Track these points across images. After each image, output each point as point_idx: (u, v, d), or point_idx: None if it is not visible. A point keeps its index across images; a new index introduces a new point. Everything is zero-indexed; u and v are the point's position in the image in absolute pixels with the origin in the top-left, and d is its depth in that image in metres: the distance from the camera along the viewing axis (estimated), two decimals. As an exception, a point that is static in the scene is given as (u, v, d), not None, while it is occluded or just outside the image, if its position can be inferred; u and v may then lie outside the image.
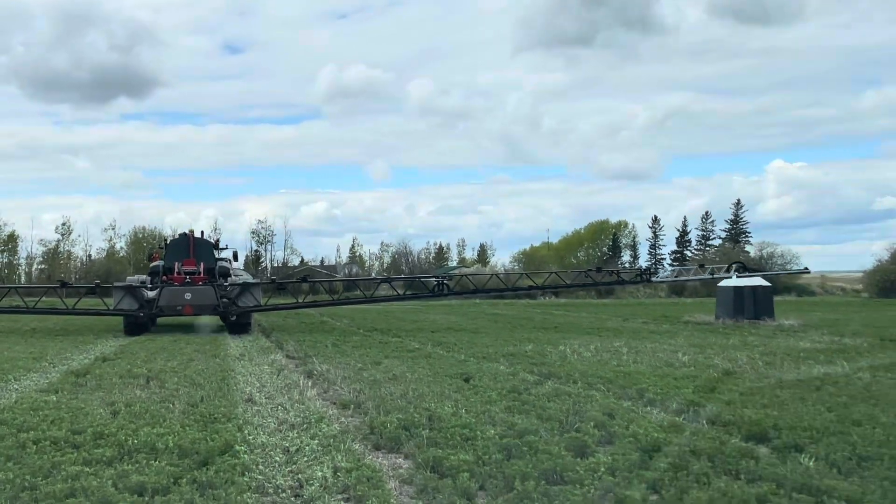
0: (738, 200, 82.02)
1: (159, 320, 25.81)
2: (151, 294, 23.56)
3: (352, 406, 9.40)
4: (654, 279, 31.08)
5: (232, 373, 12.84)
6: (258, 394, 10.54)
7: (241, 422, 8.13)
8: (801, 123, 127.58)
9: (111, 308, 23.96)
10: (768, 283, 30.21)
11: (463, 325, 27.07)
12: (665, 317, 32.52)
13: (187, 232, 26.43)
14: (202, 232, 27.56)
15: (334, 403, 9.92)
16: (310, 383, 11.47)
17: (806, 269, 39.53)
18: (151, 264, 26.95)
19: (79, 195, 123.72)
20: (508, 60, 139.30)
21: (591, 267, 33.06)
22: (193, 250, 25.31)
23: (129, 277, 29.74)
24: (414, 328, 25.61)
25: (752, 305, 28.09)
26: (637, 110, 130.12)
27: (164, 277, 24.61)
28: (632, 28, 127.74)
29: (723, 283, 29.99)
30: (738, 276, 29.73)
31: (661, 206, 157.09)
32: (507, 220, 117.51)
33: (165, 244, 27.50)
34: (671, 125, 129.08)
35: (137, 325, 23.34)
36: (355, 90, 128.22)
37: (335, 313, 36.31)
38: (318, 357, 15.31)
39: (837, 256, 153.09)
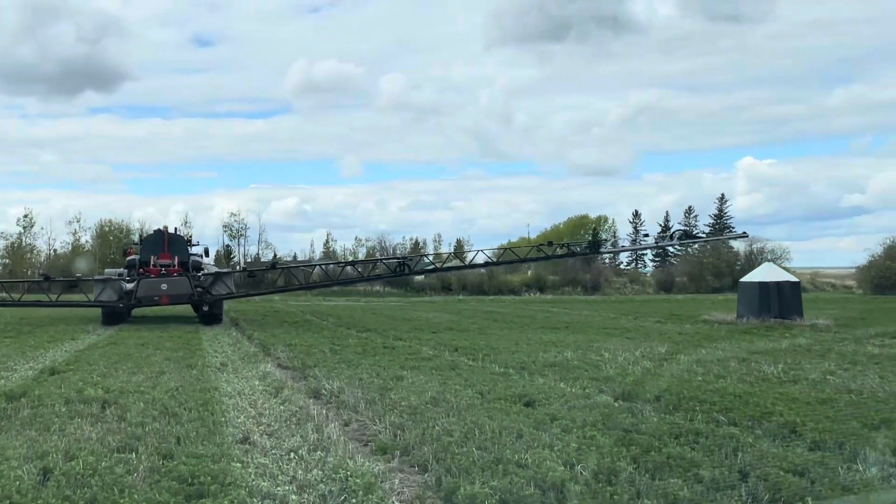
0: (723, 195, 79.80)
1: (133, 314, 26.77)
2: (129, 286, 24.49)
3: (397, 452, 6.56)
4: (602, 250, 33.09)
5: (216, 393, 9.87)
6: (256, 429, 7.63)
7: (242, 491, 5.23)
8: (771, 120, 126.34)
9: (92, 300, 24.68)
10: (796, 279, 27.99)
11: (464, 325, 24.42)
12: (676, 315, 30.16)
13: (161, 228, 27.63)
14: (175, 228, 29.11)
15: (366, 445, 7.08)
16: (324, 411, 8.53)
17: (744, 233, 38.49)
18: (127, 258, 28.24)
19: (45, 189, 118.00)
20: (481, 56, 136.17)
21: (542, 242, 33.32)
22: (168, 245, 26.55)
23: (107, 270, 30.70)
24: (411, 328, 22.92)
25: (777, 302, 25.80)
26: (609, 106, 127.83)
27: (141, 270, 25.71)
28: (604, 24, 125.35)
29: (746, 279, 27.77)
30: (679, 243, 31.99)
31: (633, 203, 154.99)
32: (479, 215, 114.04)
33: (140, 239, 29.29)
34: (642, 121, 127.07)
35: (115, 314, 24.46)
36: (327, 85, 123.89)
37: (318, 311, 33.65)
38: (320, 368, 12.40)
39: (807, 253, 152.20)
